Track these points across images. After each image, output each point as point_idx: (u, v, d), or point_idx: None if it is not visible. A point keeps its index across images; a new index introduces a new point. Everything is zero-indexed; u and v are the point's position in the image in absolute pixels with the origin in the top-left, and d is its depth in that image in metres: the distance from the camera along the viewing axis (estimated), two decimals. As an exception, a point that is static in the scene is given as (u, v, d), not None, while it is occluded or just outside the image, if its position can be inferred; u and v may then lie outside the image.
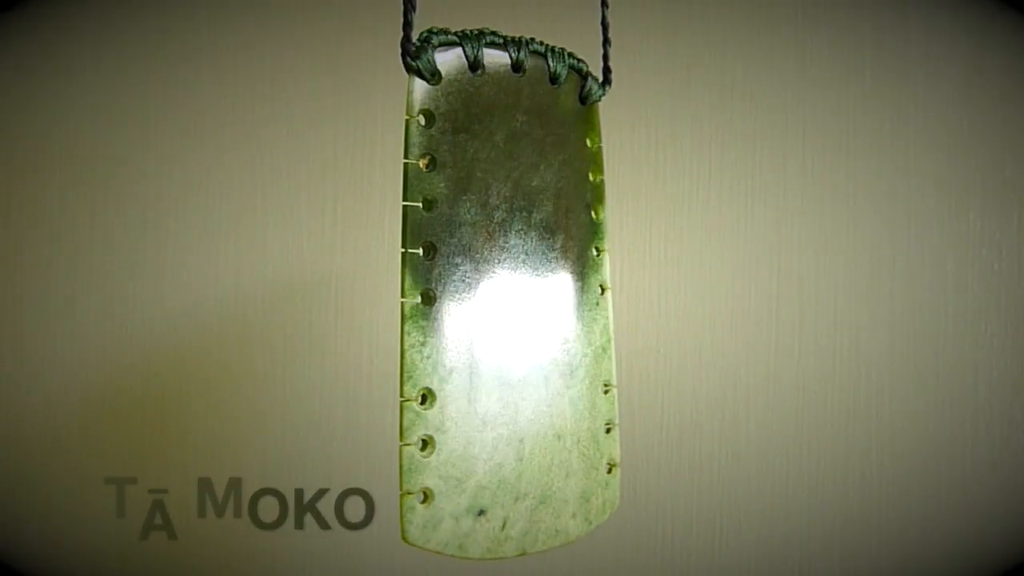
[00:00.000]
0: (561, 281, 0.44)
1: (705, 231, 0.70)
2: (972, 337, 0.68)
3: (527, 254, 0.43)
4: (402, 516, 0.38)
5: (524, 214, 0.43)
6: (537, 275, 0.43)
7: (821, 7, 0.69)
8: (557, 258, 0.44)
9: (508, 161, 0.42)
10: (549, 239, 0.44)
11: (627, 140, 0.71)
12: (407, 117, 0.39)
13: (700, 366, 0.70)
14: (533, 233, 0.43)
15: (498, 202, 0.42)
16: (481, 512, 0.40)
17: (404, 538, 0.38)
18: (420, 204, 0.40)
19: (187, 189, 0.73)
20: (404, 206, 0.39)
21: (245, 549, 0.72)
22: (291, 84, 0.73)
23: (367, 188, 0.73)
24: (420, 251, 0.40)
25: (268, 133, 0.73)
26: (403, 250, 0.39)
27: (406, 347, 0.39)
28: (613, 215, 0.69)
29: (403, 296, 0.39)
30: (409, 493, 0.39)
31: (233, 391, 0.73)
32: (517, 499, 0.41)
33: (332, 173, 0.73)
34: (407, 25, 0.39)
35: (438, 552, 0.39)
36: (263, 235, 0.73)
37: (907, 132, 0.69)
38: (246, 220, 0.73)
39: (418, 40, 0.39)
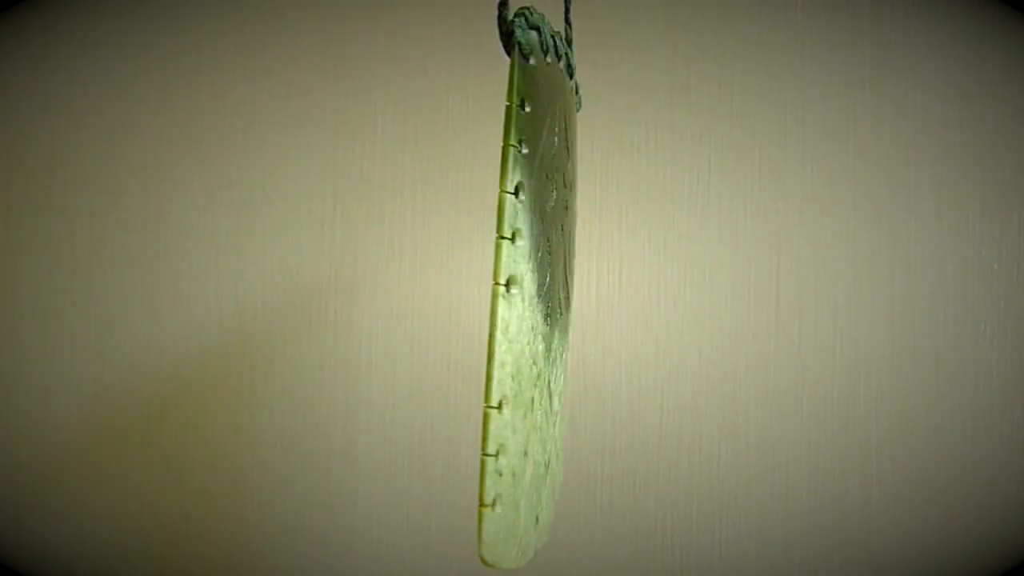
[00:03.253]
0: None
1: (704, 232, 0.70)
2: (972, 337, 0.68)
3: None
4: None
5: (563, 211, 0.38)
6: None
7: (820, 6, 0.69)
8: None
9: (559, 159, 0.38)
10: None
11: (626, 141, 0.70)
12: (509, 103, 0.33)
13: (700, 366, 0.70)
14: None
15: (554, 195, 0.38)
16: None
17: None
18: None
19: (186, 192, 0.73)
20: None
21: (246, 553, 0.72)
22: (291, 86, 0.72)
23: (367, 191, 0.72)
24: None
25: (267, 135, 0.73)
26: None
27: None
28: (611, 216, 0.70)
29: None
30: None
31: (232, 394, 0.72)
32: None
33: (332, 175, 0.72)
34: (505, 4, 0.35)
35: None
36: (263, 238, 0.72)
37: (906, 132, 0.69)
38: (245, 223, 0.73)
39: (515, 16, 0.34)
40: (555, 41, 0.38)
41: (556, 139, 0.37)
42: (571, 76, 0.41)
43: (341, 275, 0.71)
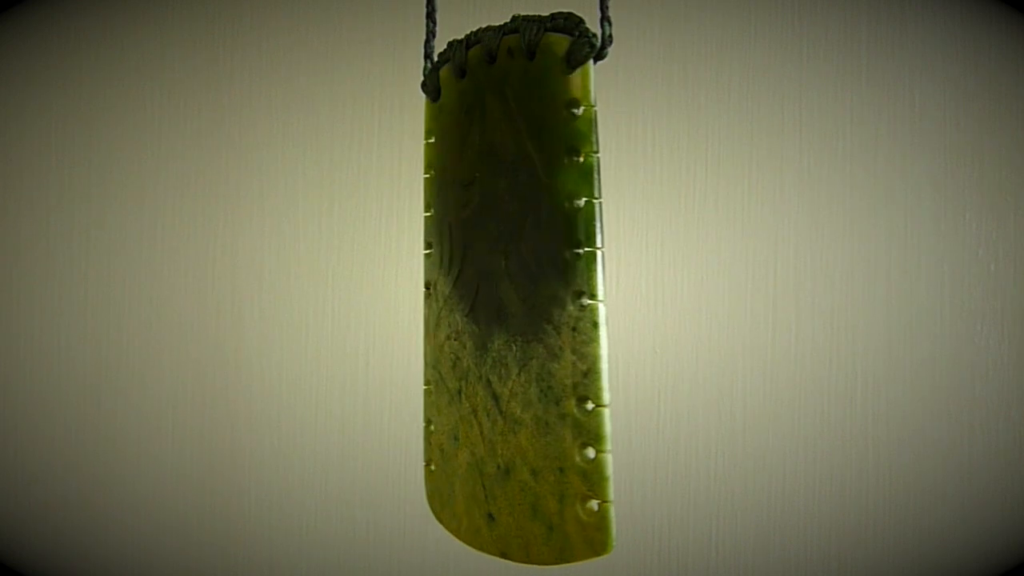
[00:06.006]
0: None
1: (701, 232, 0.68)
2: (968, 337, 0.68)
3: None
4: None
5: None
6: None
7: (817, 8, 0.69)
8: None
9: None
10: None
11: (623, 141, 0.68)
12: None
13: (697, 367, 0.69)
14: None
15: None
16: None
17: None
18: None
19: (184, 191, 0.72)
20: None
21: (246, 552, 0.71)
22: (288, 84, 0.71)
23: (364, 189, 0.70)
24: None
25: (265, 133, 0.71)
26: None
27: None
28: (606, 216, 0.65)
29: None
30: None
31: (232, 393, 0.71)
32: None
33: (329, 175, 0.71)
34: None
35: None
36: (260, 238, 0.71)
37: (903, 133, 0.69)
38: (244, 222, 0.71)
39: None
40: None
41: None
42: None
43: (340, 272, 0.70)
